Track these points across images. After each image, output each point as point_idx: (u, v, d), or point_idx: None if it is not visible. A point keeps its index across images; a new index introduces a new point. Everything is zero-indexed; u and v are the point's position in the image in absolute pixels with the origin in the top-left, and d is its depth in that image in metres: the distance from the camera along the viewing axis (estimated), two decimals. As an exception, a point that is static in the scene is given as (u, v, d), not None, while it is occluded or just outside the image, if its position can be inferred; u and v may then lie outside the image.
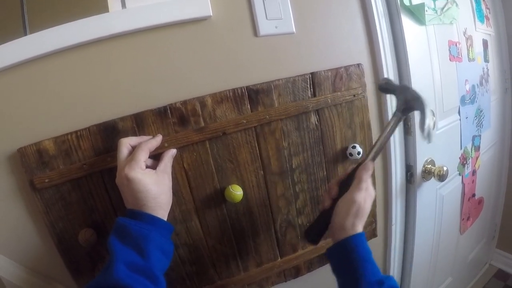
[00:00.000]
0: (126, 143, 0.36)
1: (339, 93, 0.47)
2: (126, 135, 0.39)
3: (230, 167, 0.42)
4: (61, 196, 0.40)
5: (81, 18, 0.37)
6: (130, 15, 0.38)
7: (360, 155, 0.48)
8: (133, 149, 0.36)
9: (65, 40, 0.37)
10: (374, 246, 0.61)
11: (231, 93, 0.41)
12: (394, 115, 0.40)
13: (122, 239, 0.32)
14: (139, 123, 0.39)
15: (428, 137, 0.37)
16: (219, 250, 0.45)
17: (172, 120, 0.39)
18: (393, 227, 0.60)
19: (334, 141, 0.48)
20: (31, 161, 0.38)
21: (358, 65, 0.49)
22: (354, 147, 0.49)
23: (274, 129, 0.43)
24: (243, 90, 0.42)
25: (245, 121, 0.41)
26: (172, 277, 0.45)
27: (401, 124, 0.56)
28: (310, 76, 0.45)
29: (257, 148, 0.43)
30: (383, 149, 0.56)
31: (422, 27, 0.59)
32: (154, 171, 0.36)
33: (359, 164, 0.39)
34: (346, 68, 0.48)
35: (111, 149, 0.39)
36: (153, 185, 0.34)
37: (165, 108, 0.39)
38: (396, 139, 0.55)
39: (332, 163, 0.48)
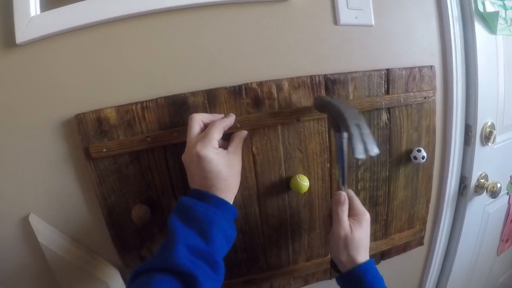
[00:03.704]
0: (198, 119, 0.35)
1: (411, 93, 0.47)
2: (196, 111, 0.39)
3: (298, 156, 0.42)
4: (118, 168, 0.40)
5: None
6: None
7: (424, 159, 0.48)
8: (205, 127, 0.35)
9: (141, 5, 0.37)
10: (416, 255, 0.61)
11: (308, 80, 0.41)
12: (334, 136, 0.38)
13: (185, 221, 0.31)
14: (210, 100, 0.39)
15: (363, 155, 0.31)
16: (273, 239, 0.45)
17: (246, 101, 0.39)
18: (439, 238, 0.59)
19: (400, 142, 0.48)
20: (88, 129, 0.38)
21: (431, 67, 0.49)
22: (419, 150, 0.48)
23: (346, 122, 0.43)
24: (321, 78, 0.41)
25: (320, 110, 0.41)
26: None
27: (461, 132, 0.56)
28: (386, 72, 0.45)
29: (328, 140, 0.43)
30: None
31: (492, 36, 0.58)
32: (225, 151, 0.35)
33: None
34: (420, 68, 0.48)
35: (178, 124, 0.39)
36: (225, 165, 0.33)
37: (240, 87, 0.39)
38: (456, 148, 0.55)
39: (395, 164, 0.48)
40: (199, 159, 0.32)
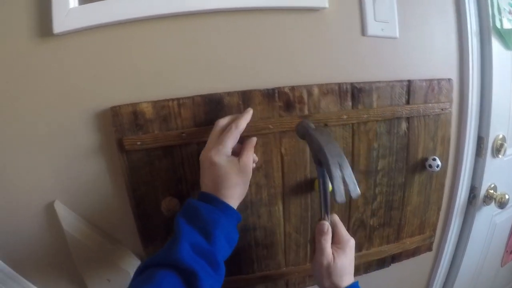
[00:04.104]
0: (221, 125, 0.38)
1: (429, 104, 0.50)
2: (230, 111, 0.42)
3: (323, 159, 0.45)
4: (150, 161, 0.42)
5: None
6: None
7: (439, 168, 0.51)
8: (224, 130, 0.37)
9: (183, 5, 0.39)
10: (424, 260, 0.63)
11: (337, 87, 0.44)
12: (316, 169, 0.37)
13: (190, 221, 0.33)
14: (245, 101, 0.42)
15: (343, 198, 0.30)
16: (293, 237, 0.48)
17: (279, 104, 0.42)
18: (447, 245, 0.62)
19: (417, 150, 0.51)
20: (124, 121, 0.40)
21: (449, 79, 0.52)
22: (434, 159, 0.51)
23: (369, 129, 0.46)
24: (348, 86, 0.44)
25: (345, 117, 0.44)
26: (242, 257, 0.48)
27: (473, 143, 0.59)
28: (407, 83, 0.48)
29: (351, 145, 0.46)
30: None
31: (508, 52, 0.62)
32: (237, 159, 0.37)
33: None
34: (439, 81, 0.51)
35: (213, 122, 0.41)
36: (235, 174, 0.35)
37: (273, 90, 0.42)
38: (468, 159, 0.58)
39: (411, 171, 0.51)
40: (211, 165, 0.35)
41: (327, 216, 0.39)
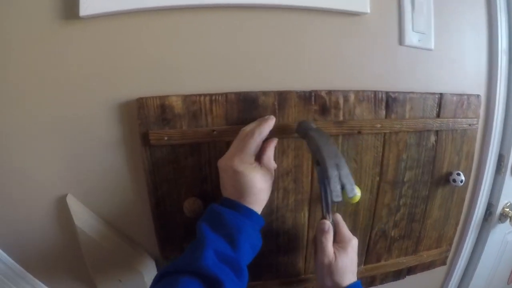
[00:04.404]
0: (246, 132, 0.37)
1: (458, 119, 0.50)
2: (265, 111, 0.41)
3: (353, 167, 0.45)
4: (176, 158, 0.41)
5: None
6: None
7: (462, 183, 0.51)
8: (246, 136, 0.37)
9: None
10: (437, 274, 0.64)
11: (372, 95, 0.44)
12: (315, 168, 0.38)
13: (214, 227, 0.33)
14: (281, 102, 0.41)
15: (340, 198, 0.30)
16: (316, 244, 0.47)
17: (314, 107, 0.42)
18: (460, 260, 0.63)
19: (443, 164, 0.51)
20: (150, 114, 0.39)
21: (478, 96, 0.52)
22: (459, 174, 0.51)
23: (400, 140, 0.46)
24: (383, 95, 0.44)
25: (379, 126, 0.44)
26: (262, 263, 0.46)
27: (494, 161, 0.60)
28: (439, 96, 0.48)
29: (381, 154, 0.46)
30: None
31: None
32: (259, 166, 0.36)
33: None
34: (468, 96, 0.51)
35: (246, 122, 0.40)
36: (258, 181, 0.35)
37: (310, 93, 0.41)
38: (488, 176, 0.59)
39: (435, 184, 0.51)
40: (235, 173, 0.34)
41: (329, 215, 0.40)
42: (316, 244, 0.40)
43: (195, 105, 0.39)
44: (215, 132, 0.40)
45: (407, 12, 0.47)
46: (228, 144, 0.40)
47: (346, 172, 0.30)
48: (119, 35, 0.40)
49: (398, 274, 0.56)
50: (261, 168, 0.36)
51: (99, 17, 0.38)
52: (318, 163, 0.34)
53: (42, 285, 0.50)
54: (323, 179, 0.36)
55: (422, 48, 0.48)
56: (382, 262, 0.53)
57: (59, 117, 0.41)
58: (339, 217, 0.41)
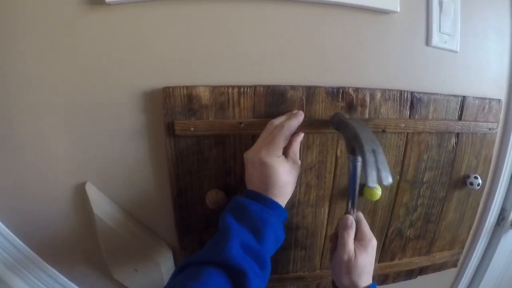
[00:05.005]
0: (274, 125, 0.38)
1: (479, 122, 0.52)
2: (293, 105, 0.42)
3: (375, 165, 0.46)
4: (200, 149, 0.42)
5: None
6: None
7: (479, 186, 0.53)
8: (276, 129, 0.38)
9: None
10: (446, 276, 0.66)
11: (398, 94, 0.45)
12: (348, 158, 0.38)
13: (240, 219, 0.34)
14: (308, 97, 0.42)
15: (375, 183, 0.30)
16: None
17: (341, 104, 0.43)
18: (470, 263, 0.65)
19: (461, 167, 0.53)
20: (176, 104, 0.40)
21: (499, 100, 0.54)
22: (476, 177, 0.53)
23: (422, 141, 0.48)
24: (408, 95, 0.46)
25: (403, 125, 0.45)
26: (279, 256, 0.49)
27: (510, 166, 0.62)
28: (462, 99, 0.50)
29: (403, 154, 0.47)
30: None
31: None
32: (286, 159, 0.38)
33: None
34: (490, 100, 0.53)
35: (273, 115, 0.42)
36: (284, 174, 0.36)
37: (338, 89, 0.43)
38: (504, 180, 0.61)
39: (452, 186, 0.53)
40: (262, 166, 0.35)
41: (353, 210, 0.40)
42: (337, 239, 0.40)
43: (223, 96, 0.41)
44: (242, 125, 0.41)
45: (435, 13, 0.48)
46: (254, 137, 0.42)
47: (382, 158, 0.31)
48: (146, 23, 0.40)
49: (410, 274, 0.58)
50: (288, 161, 0.37)
51: (126, 4, 0.39)
52: (353, 151, 0.35)
53: (57, 272, 0.52)
54: (354, 171, 0.37)
55: (447, 50, 0.50)
56: (396, 261, 0.55)
57: (81, 104, 0.42)
58: (361, 215, 0.42)
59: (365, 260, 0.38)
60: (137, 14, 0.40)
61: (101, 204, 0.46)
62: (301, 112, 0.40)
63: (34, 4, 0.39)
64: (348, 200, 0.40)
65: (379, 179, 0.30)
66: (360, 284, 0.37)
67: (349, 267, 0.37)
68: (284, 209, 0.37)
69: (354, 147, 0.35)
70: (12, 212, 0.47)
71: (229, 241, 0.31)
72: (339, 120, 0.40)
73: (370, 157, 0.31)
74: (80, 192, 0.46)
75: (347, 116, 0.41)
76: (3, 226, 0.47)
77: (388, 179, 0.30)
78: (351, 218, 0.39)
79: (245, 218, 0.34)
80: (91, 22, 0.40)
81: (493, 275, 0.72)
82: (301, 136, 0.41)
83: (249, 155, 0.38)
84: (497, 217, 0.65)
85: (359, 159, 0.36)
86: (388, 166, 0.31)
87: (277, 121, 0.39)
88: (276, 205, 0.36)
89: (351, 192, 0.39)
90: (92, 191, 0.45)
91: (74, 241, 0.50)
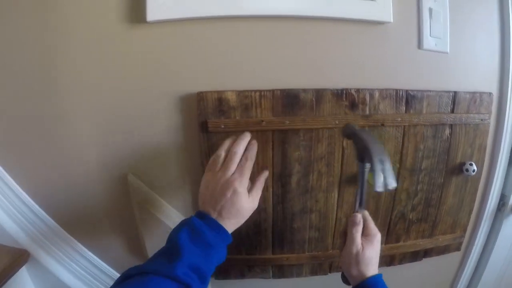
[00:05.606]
0: (238, 153, 0.43)
1: (471, 114, 0.59)
2: (304, 106, 0.51)
3: (376, 154, 0.55)
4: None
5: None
6: (330, 4, 0.50)
7: (474, 172, 0.60)
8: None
9: (269, 9, 0.49)
10: (452, 259, 0.73)
11: (394, 93, 0.54)
12: (357, 165, 0.44)
13: (194, 240, 0.38)
14: (318, 98, 0.51)
15: (383, 188, 0.36)
16: (343, 222, 0.57)
17: (345, 103, 0.52)
18: (474, 247, 0.72)
19: (456, 155, 0.60)
20: (208, 106, 0.49)
21: (489, 93, 0.61)
22: (471, 164, 0.60)
23: (417, 132, 0.56)
24: (403, 93, 0.54)
25: (399, 119, 0.54)
26: (296, 238, 0.57)
27: (507, 153, 0.69)
28: (453, 94, 0.57)
29: (401, 144, 0.56)
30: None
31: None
32: (248, 193, 0.42)
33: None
34: (481, 94, 0.60)
35: (288, 115, 0.51)
36: (245, 207, 0.41)
37: (342, 91, 0.52)
38: (501, 167, 0.67)
39: (449, 173, 0.61)
40: (234, 193, 0.40)
41: (361, 209, 0.47)
42: (347, 234, 0.46)
43: (247, 99, 0.50)
44: (263, 122, 0.50)
45: (425, 19, 0.57)
46: (273, 134, 0.51)
47: (388, 167, 0.37)
48: (181, 38, 0.50)
49: (416, 256, 0.65)
50: (250, 196, 0.43)
51: (164, 22, 0.49)
52: (362, 159, 0.42)
53: (96, 258, 0.62)
54: (363, 176, 0.44)
55: (438, 52, 0.58)
56: (401, 243, 0.62)
57: (125, 107, 0.52)
58: (367, 213, 0.48)
59: (372, 253, 0.44)
60: (174, 30, 0.50)
61: (140, 192, 0.56)
62: (253, 141, 0.46)
63: (83, 19, 0.49)
64: (355, 200, 0.47)
65: (385, 184, 0.37)
66: (367, 273, 0.43)
67: (357, 259, 0.43)
68: (231, 237, 0.41)
69: (363, 156, 0.42)
70: (60, 203, 0.57)
71: (180, 259, 0.35)
72: (350, 131, 0.47)
73: (378, 166, 0.37)
74: (123, 182, 0.55)
75: (356, 127, 0.48)
76: (49, 218, 0.58)
77: (393, 184, 0.37)
78: (359, 216, 0.46)
79: (199, 242, 0.38)
80: (134, 37, 0.50)
81: (499, 258, 0.78)
82: (265, 174, 0.48)
83: (214, 180, 0.41)
84: (497, 202, 0.71)
85: (367, 166, 0.43)
86: (393, 173, 0.37)
87: (239, 149, 0.43)
88: (227, 235, 0.41)
89: (359, 194, 0.46)
90: (133, 181, 0.55)
91: (115, 225, 0.60)
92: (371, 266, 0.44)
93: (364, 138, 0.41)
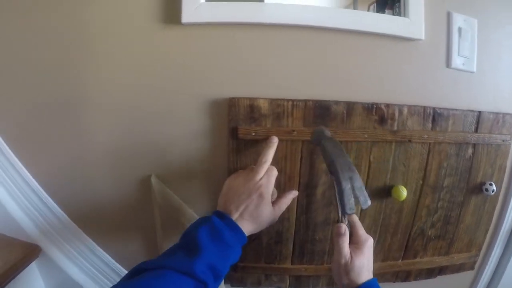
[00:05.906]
0: (266, 164, 0.45)
1: (493, 135, 0.61)
2: (335, 118, 0.52)
3: (401, 170, 0.56)
4: (257, 151, 0.52)
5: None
6: (364, 18, 0.52)
7: (493, 192, 0.62)
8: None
9: (306, 19, 0.50)
10: (465, 278, 0.73)
11: (422, 110, 0.55)
12: (330, 177, 0.43)
13: (213, 239, 0.39)
14: (348, 111, 0.52)
15: (353, 210, 0.33)
16: (363, 236, 0.58)
17: (374, 117, 0.53)
18: (487, 267, 0.73)
19: (477, 174, 0.61)
20: (239, 112, 0.50)
21: (512, 115, 0.64)
22: (491, 184, 0.62)
23: (442, 150, 0.57)
24: (430, 110, 0.55)
25: (426, 136, 0.55)
26: (317, 249, 0.58)
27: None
28: (478, 114, 0.59)
29: (426, 161, 0.57)
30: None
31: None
32: (271, 204, 0.44)
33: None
34: (504, 115, 0.62)
35: (318, 125, 0.52)
36: (265, 215, 0.43)
37: (372, 105, 0.53)
38: (518, 188, 0.69)
39: (470, 192, 0.62)
40: (259, 197, 0.42)
41: (344, 218, 0.45)
42: (333, 245, 0.45)
43: (279, 107, 0.51)
44: (295, 132, 0.51)
45: (455, 38, 0.58)
46: (303, 144, 0.52)
47: (359, 184, 0.34)
48: (215, 42, 0.51)
49: (431, 273, 0.66)
50: (273, 206, 0.44)
51: (198, 25, 0.50)
52: (332, 172, 0.39)
53: (103, 252, 0.62)
54: (339, 186, 0.39)
55: (465, 71, 0.60)
56: (418, 259, 0.63)
57: (153, 107, 0.53)
58: (355, 218, 0.47)
59: (362, 261, 0.43)
60: (208, 34, 0.51)
61: (163, 193, 0.56)
62: (272, 167, 0.46)
63: (117, 17, 0.50)
64: (338, 210, 0.44)
65: (359, 204, 0.33)
66: (359, 281, 0.42)
67: (347, 269, 0.43)
68: (246, 237, 0.42)
69: (331, 171, 0.38)
70: (76, 198, 0.58)
71: (199, 257, 0.36)
72: (316, 138, 0.44)
73: (346, 185, 0.33)
74: (146, 183, 0.56)
75: (327, 132, 0.45)
76: (63, 213, 0.58)
77: (367, 203, 0.34)
78: (343, 226, 0.44)
79: (218, 241, 0.39)
80: (169, 38, 0.51)
81: (510, 280, 0.79)
82: (295, 194, 0.49)
83: (250, 184, 0.43)
84: (512, 222, 0.73)
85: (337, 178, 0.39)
86: (366, 190, 0.34)
87: (269, 156, 0.45)
88: (245, 238, 0.42)
89: (340, 203, 0.42)
90: (156, 183, 0.55)
91: (132, 225, 0.60)
92: (363, 273, 0.43)
93: (330, 153, 0.38)
